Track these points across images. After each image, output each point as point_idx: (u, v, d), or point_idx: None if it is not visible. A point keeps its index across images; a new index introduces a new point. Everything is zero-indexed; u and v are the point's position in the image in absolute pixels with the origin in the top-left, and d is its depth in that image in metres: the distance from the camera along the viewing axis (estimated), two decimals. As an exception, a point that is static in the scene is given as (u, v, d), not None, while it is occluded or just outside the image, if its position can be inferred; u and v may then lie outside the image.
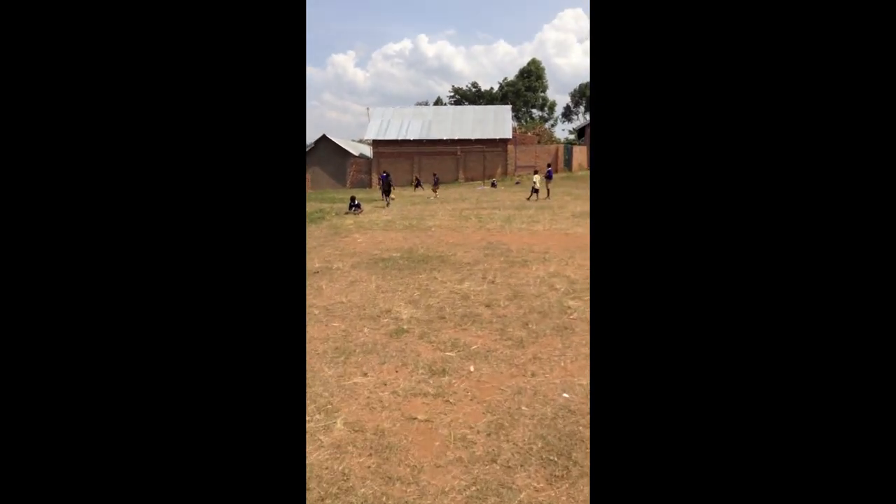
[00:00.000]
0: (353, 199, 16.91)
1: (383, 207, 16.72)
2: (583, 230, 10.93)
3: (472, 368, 4.06)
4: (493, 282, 6.74)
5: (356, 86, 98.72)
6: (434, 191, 24.67)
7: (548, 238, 10.11)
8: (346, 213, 16.24)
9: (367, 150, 37.79)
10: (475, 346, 4.51)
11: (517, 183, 30.96)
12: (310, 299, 6.19)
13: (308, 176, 36.31)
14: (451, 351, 4.43)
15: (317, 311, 5.69)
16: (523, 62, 75.12)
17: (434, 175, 27.96)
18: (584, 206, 15.84)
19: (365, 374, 4.03)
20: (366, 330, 5.05)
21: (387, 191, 20.09)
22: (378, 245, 9.94)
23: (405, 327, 5.06)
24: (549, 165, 23.14)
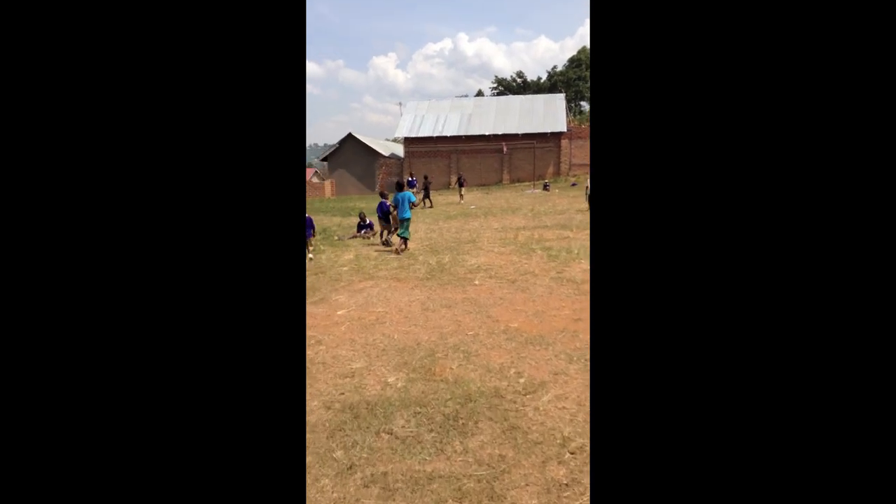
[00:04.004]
0: (362, 216, 12.02)
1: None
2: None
3: None
4: None
5: (397, 87, 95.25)
6: (460, 196, 20.23)
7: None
8: (352, 238, 11.36)
9: (400, 150, 33.02)
10: None
11: (574, 184, 25.61)
12: None
13: (331, 181, 31.84)
14: None
15: None
16: (564, 58, 68.99)
17: (460, 175, 23.35)
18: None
19: None
20: None
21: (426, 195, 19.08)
22: (366, 337, 4.95)
23: None
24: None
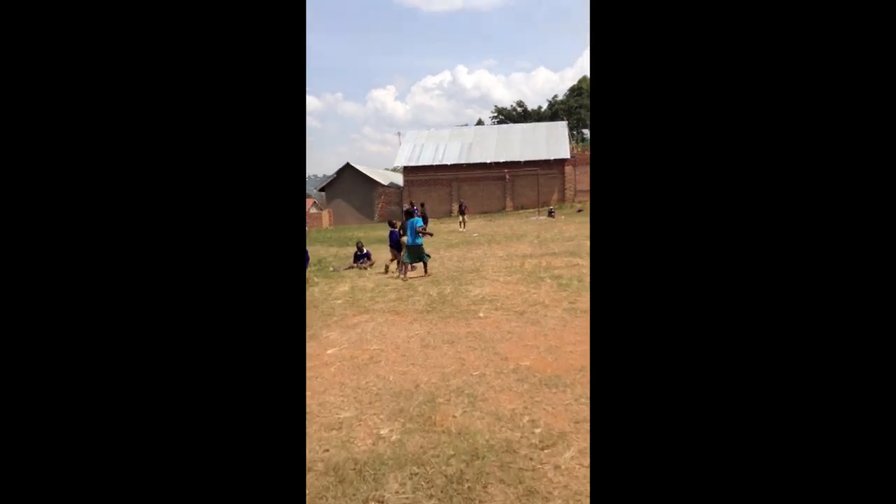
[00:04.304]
0: (359, 246, 11.55)
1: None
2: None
3: None
4: None
5: (396, 119, 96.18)
6: (461, 223, 19.82)
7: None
8: (348, 269, 10.87)
9: (400, 179, 32.81)
10: None
11: (579, 211, 25.22)
12: None
13: (329, 211, 31.55)
14: None
15: None
16: (564, 87, 69.33)
17: (461, 202, 23.10)
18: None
19: None
20: None
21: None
22: (358, 380, 4.40)
23: None
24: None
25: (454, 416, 3.43)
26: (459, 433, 3.18)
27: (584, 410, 3.41)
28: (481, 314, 6.16)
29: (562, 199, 28.74)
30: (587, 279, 7.82)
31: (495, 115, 55.91)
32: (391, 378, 4.20)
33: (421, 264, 9.39)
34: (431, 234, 11.38)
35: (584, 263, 9.54)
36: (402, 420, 3.42)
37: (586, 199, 27.35)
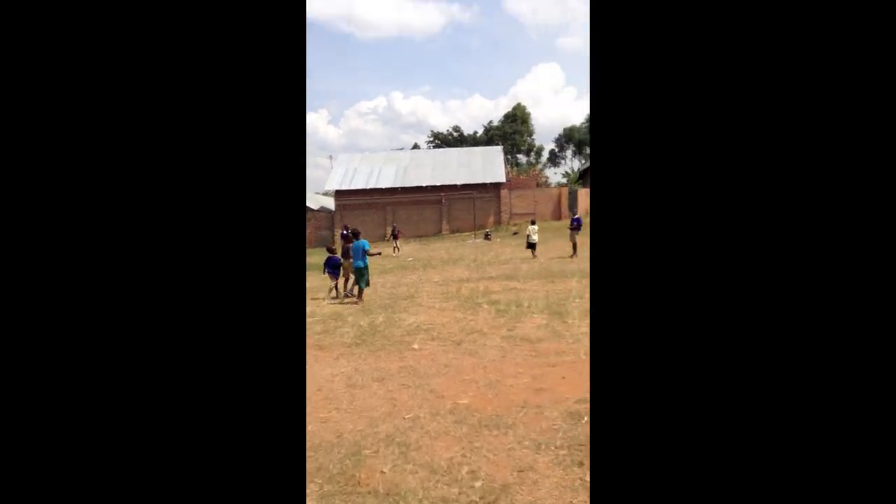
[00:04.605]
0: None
1: (330, 286, 10.46)
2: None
3: None
4: None
5: (328, 143, 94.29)
6: (395, 248, 19.53)
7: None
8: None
9: (331, 203, 32.03)
10: None
11: (515, 233, 25.38)
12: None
13: (260, 236, 30.14)
14: None
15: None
16: (499, 115, 70.74)
17: (394, 226, 22.79)
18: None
19: None
20: None
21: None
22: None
23: None
24: (574, 214, 16.85)
25: (382, 472, 2.96)
26: (388, 493, 2.72)
27: (528, 456, 3.03)
28: (416, 345, 5.72)
29: (498, 222, 28.87)
30: (525, 304, 7.56)
31: (431, 139, 56.13)
32: (310, 427, 3.67)
33: (356, 290, 9.06)
34: (380, 253, 11.06)
35: (522, 287, 9.31)
36: (320, 481, 2.91)
37: (521, 221, 27.60)
